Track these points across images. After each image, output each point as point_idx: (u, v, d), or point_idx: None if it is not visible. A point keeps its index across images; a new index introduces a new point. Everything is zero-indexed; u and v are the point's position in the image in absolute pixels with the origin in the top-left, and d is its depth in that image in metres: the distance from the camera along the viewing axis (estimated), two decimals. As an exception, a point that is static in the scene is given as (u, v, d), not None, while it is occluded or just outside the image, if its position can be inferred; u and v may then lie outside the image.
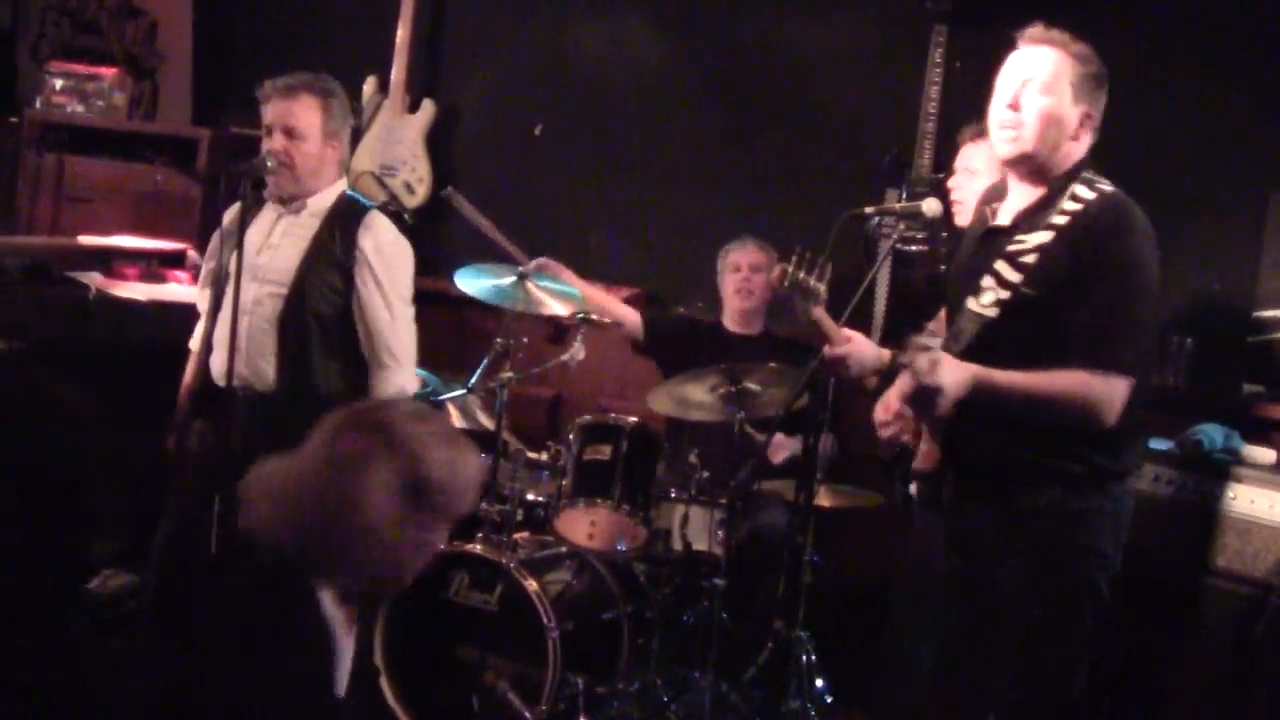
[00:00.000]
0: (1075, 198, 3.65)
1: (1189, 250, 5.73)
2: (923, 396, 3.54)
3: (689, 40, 6.82)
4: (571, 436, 5.34)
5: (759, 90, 6.67)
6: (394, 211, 6.42)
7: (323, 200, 4.94)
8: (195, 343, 5.10)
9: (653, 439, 5.38)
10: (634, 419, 5.43)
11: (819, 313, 4.27)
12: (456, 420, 5.62)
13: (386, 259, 4.90)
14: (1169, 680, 4.98)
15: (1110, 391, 3.51)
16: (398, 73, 6.96)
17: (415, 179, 6.90)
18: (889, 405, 4.01)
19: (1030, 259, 3.65)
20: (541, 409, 6.66)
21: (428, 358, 5.86)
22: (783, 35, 6.59)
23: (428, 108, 6.99)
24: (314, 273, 4.83)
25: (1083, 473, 3.65)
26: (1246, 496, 4.91)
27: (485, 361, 5.44)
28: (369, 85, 7.03)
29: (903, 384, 3.62)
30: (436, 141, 7.00)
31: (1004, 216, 3.82)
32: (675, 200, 6.77)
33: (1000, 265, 3.70)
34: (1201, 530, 4.94)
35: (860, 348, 4.28)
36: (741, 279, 6.05)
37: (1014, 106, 3.73)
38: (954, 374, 3.52)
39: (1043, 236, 3.64)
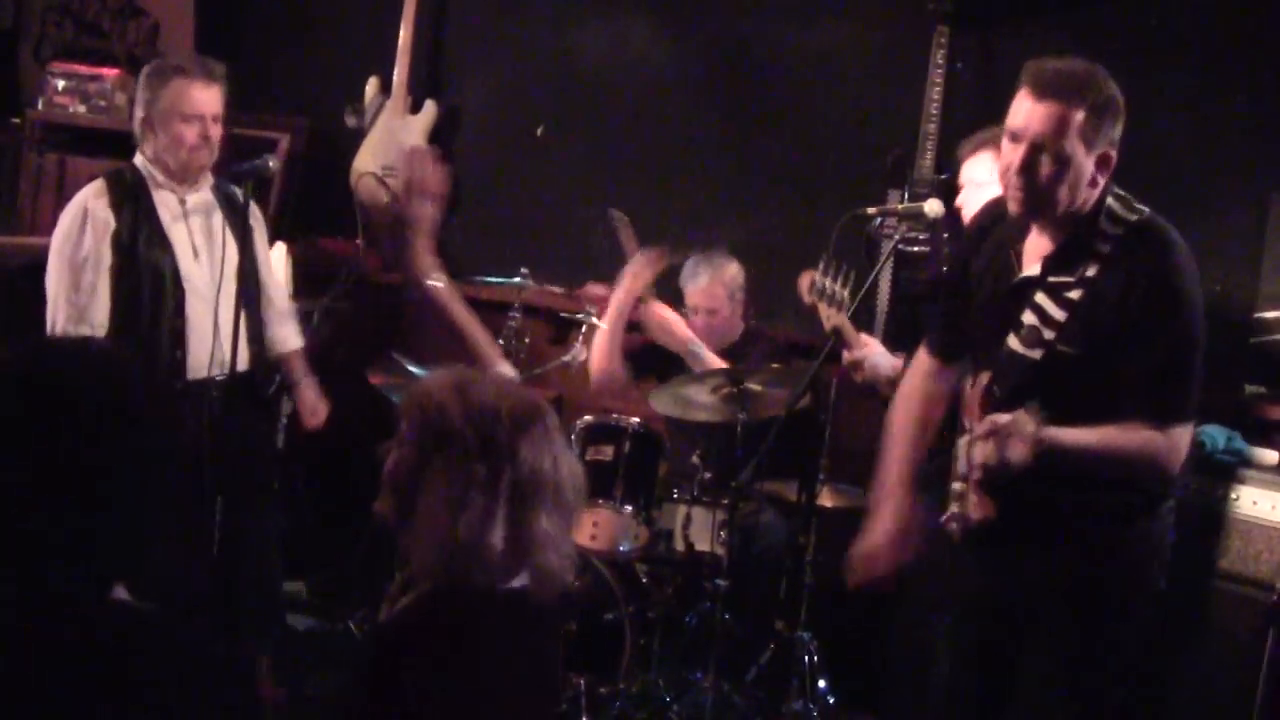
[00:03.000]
0: (1113, 218, 3.53)
1: (1190, 253, 5.73)
2: (998, 470, 3.44)
3: (691, 41, 6.82)
4: (574, 437, 5.34)
5: (761, 91, 6.67)
6: (396, 213, 6.44)
7: (207, 178, 5.06)
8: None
9: (655, 439, 5.39)
10: (636, 419, 5.44)
11: (841, 319, 4.29)
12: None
13: (261, 220, 5.18)
14: (1172, 682, 4.97)
15: (1177, 444, 3.45)
16: (400, 74, 6.96)
17: (417, 180, 6.90)
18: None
19: (1075, 294, 3.51)
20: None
21: (429, 357, 5.87)
22: (784, 36, 6.58)
23: (430, 109, 6.99)
24: (242, 247, 4.98)
25: (1140, 503, 3.61)
26: (1249, 498, 4.91)
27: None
28: (371, 86, 7.03)
29: (985, 453, 3.43)
30: (439, 142, 6.99)
31: (1031, 263, 3.64)
32: (677, 201, 6.77)
33: (1042, 299, 3.55)
34: (1204, 532, 4.95)
35: (876, 355, 4.32)
36: (701, 324, 5.82)
37: (1023, 173, 3.51)
38: (1023, 447, 3.44)
39: (1089, 268, 3.51)
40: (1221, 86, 5.78)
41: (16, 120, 7.16)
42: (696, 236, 6.51)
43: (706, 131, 6.78)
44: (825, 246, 4.70)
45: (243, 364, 4.96)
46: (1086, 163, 3.48)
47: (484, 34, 7.16)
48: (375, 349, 5.81)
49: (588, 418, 5.48)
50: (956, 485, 3.65)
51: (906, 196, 5.98)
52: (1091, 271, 3.49)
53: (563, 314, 6.05)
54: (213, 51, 7.33)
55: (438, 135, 7.01)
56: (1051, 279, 3.54)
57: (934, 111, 6.01)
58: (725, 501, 5.13)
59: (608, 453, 5.27)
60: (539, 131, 7.00)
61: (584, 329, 5.69)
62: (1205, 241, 5.69)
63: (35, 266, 5.95)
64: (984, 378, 3.68)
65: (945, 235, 5.96)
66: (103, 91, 7.05)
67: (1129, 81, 5.62)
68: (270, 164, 4.85)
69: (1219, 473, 5.01)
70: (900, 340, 5.12)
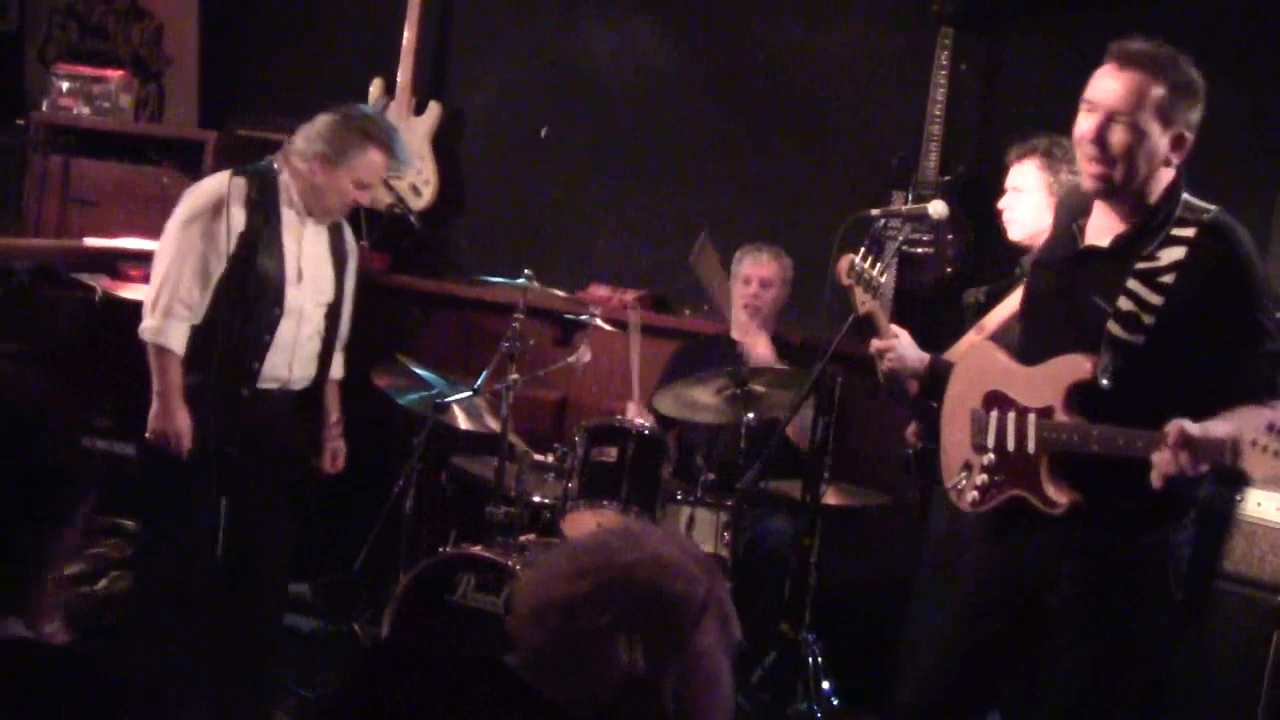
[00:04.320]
0: (1190, 208, 3.56)
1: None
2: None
3: (695, 43, 6.82)
4: (578, 438, 5.34)
5: (765, 93, 6.67)
6: (400, 214, 6.44)
7: None
8: (179, 342, 4.93)
9: (659, 441, 5.38)
10: (640, 421, 5.44)
11: (874, 306, 4.32)
12: (463, 422, 5.63)
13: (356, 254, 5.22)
14: (1175, 683, 4.97)
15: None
16: (404, 75, 6.96)
17: (421, 181, 6.91)
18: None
19: (1168, 278, 3.51)
20: (548, 411, 6.65)
21: (434, 359, 5.88)
22: (789, 38, 6.59)
23: (434, 110, 6.99)
24: (338, 278, 5.08)
25: (1169, 508, 3.58)
26: (1253, 499, 4.91)
27: (492, 364, 5.44)
28: (375, 87, 7.03)
29: (1164, 463, 3.28)
30: (442, 144, 7.00)
31: (1098, 236, 3.67)
32: (681, 203, 6.77)
33: (1135, 285, 3.53)
34: (1210, 534, 4.93)
35: (905, 345, 4.33)
36: (750, 294, 6.01)
37: (1097, 142, 3.55)
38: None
39: (1174, 253, 3.51)
40: (1224, 88, 5.76)
41: (21, 122, 7.16)
42: (699, 237, 6.52)
43: (711, 133, 6.78)
44: (830, 247, 4.70)
45: (308, 382, 5.13)
46: (1161, 140, 3.54)
47: (488, 36, 7.16)
48: (380, 351, 5.82)
49: (592, 419, 5.48)
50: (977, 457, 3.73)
51: (911, 198, 5.99)
52: (1178, 256, 3.50)
53: (567, 315, 6.05)
54: (216, 53, 7.39)
55: (441, 137, 7.01)
56: (1141, 264, 3.54)
57: (938, 113, 6.02)
58: (729, 503, 5.14)
59: (612, 454, 5.26)
60: (543, 133, 6.99)
61: (587, 330, 5.69)
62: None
63: (41, 268, 5.97)
64: (1076, 361, 3.59)
65: (950, 237, 5.96)
66: (107, 93, 7.05)
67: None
68: (275, 165, 4.85)
69: (1224, 474, 5.00)
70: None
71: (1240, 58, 5.76)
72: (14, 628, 1.99)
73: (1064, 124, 5.61)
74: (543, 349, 6.12)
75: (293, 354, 4.98)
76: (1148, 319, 3.50)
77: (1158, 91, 3.56)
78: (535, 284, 5.47)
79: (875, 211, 5.08)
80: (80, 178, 6.90)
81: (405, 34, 6.94)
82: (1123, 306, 3.53)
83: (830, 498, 5.39)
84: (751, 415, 5.18)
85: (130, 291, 5.77)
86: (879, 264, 4.44)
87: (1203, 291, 3.47)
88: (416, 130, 6.96)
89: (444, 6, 7.16)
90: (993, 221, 5.21)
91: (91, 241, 6.42)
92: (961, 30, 6.05)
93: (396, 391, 5.57)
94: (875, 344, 4.29)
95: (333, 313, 5.15)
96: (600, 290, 6.67)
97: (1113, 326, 3.54)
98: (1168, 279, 3.49)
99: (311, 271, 5.04)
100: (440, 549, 5.20)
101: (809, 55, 6.56)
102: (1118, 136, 3.52)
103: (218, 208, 4.87)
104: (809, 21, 6.55)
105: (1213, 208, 3.57)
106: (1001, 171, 4.98)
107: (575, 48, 6.98)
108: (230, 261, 4.83)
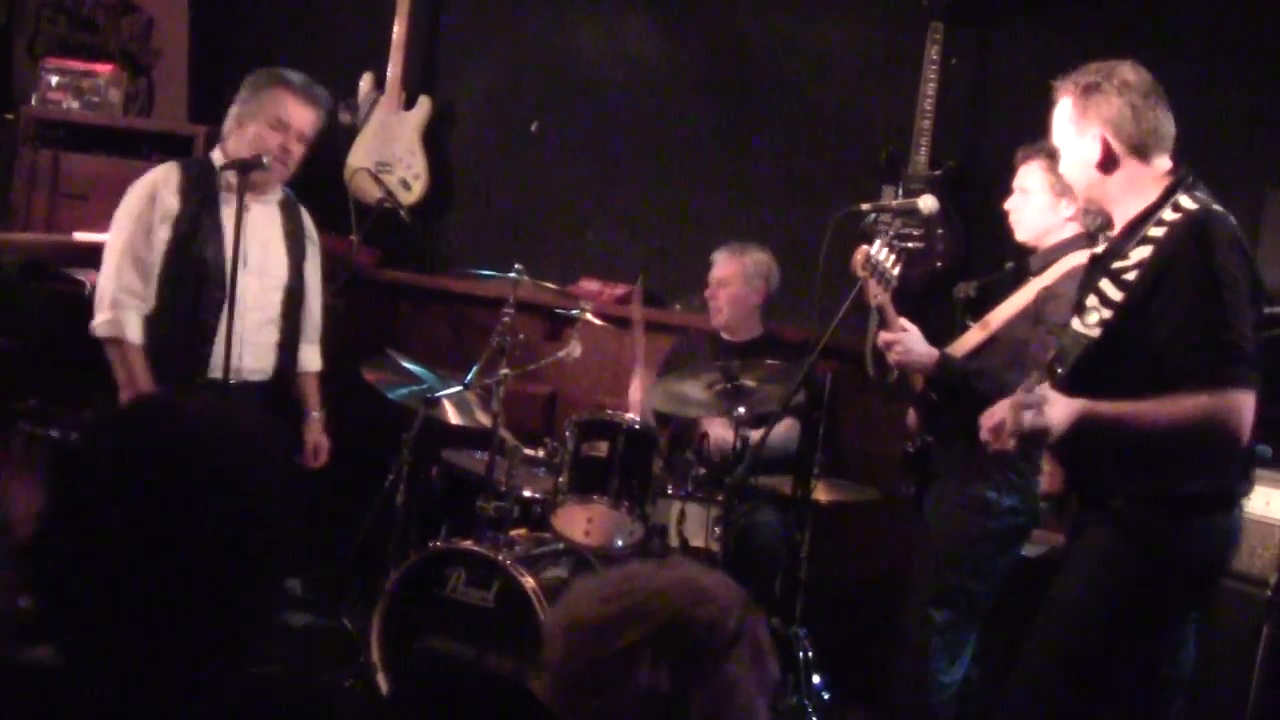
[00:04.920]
0: (1177, 208, 3.62)
1: (1238, 244, 5.75)
2: (1032, 438, 3.50)
3: (685, 37, 6.81)
4: (568, 433, 5.33)
5: (756, 86, 6.67)
6: (390, 208, 6.43)
7: (277, 192, 5.13)
8: (134, 331, 5.00)
9: (650, 435, 5.38)
10: (631, 415, 5.45)
11: (885, 298, 4.35)
12: (453, 416, 5.62)
13: (318, 241, 5.22)
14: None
15: (1234, 406, 3.43)
16: (394, 69, 6.95)
17: (411, 176, 6.90)
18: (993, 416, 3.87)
19: (1132, 275, 3.60)
20: (538, 405, 6.65)
21: (424, 354, 5.88)
22: (779, 32, 6.59)
23: (424, 104, 6.98)
24: (294, 263, 5.08)
25: (1195, 496, 3.62)
26: (1243, 493, 4.90)
27: (482, 358, 5.44)
28: (365, 82, 7.02)
29: (1014, 420, 3.48)
30: (433, 138, 6.99)
31: (1104, 244, 3.85)
32: (671, 197, 6.77)
33: (1104, 283, 3.65)
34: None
35: (912, 339, 4.37)
36: (709, 293, 6.08)
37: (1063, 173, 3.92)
38: (1060, 411, 3.46)
39: (1142, 252, 3.60)
40: (1216, 82, 5.78)
41: (10, 116, 7.15)
42: (690, 232, 6.53)
43: (701, 127, 6.78)
44: (820, 242, 4.71)
45: (266, 374, 5.11)
46: (1087, 147, 3.73)
47: (478, 30, 7.16)
48: (370, 346, 5.81)
49: (582, 413, 5.48)
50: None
51: (901, 192, 5.99)
52: (1144, 254, 3.59)
53: (557, 310, 6.05)
54: (206, 48, 7.38)
55: (432, 131, 7.01)
56: (1114, 264, 3.65)
57: (928, 107, 6.01)
58: (720, 498, 5.14)
59: (602, 449, 5.25)
60: (534, 128, 6.99)
61: (578, 325, 5.69)
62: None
63: (31, 262, 5.96)
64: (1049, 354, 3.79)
65: (940, 231, 5.96)
66: (96, 87, 7.04)
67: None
68: (265, 160, 4.84)
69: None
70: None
71: (1231, 53, 5.77)
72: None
73: (1042, 113, 5.63)
74: (533, 343, 6.12)
75: (242, 342, 4.96)
76: (1105, 313, 3.61)
77: (1068, 106, 3.79)
78: (526, 278, 5.47)
79: (866, 206, 5.10)
80: (70, 172, 6.89)
81: (395, 28, 6.94)
82: (1087, 304, 3.67)
83: (820, 493, 5.39)
84: (742, 410, 5.17)
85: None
86: (893, 256, 4.47)
87: (1157, 284, 3.54)
88: (407, 124, 6.95)
89: (434, 1, 7.15)
90: (983, 216, 5.22)
91: (81, 236, 6.41)
92: (951, 24, 6.05)
93: (386, 386, 5.56)
94: (884, 336, 4.32)
95: (291, 300, 5.14)
96: (590, 285, 6.67)
97: (1074, 321, 3.71)
98: (1131, 275, 3.59)
99: (258, 255, 5.03)
100: (431, 544, 5.20)
101: (799, 50, 6.55)
102: (1062, 164, 3.88)
103: (151, 197, 4.99)
104: (799, 16, 6.55)
105: (1194, 206, 3.61)
106: (992, 166, 4.99)
107: (565, 42, 6.98)
108: (166, 246, 4.93)
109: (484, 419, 5.53)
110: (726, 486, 5.05)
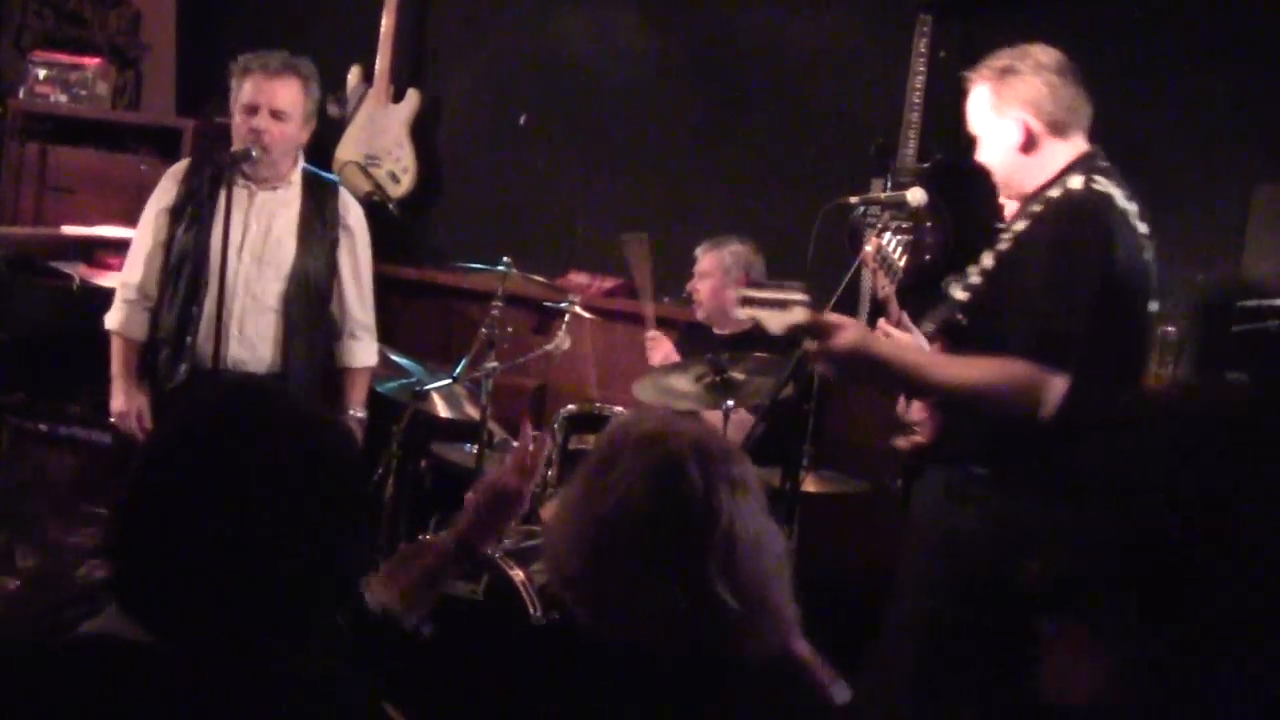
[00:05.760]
0: (1064, 187, 3.67)
1: (1175, 242, 5.74)
2: (819, 355, 3.57)
3: (673, 30, 6.81)
4: (557, 426, 5.33)
5: (744, 80, 6.67)
6: (379, 201, 6.43)
7: (294, 177, 5.07)
8: (120, 324, 5.09)
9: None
10: (619, 408, 5.44)
11: (890, 291, 4.38)
12: (442, 410, 5.62)
13: (364, 232, 5.14)
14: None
15: (1034, 380, 3.44)
16: (382, 62, 6.95)
17: (400, 169, 6.89)
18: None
19: (1004, 247, 3.70)
20: (526, 398, 6.65)
21: (413, 347, 5.88)
22: (767, 25, 6.59)
23: (412, 97, 6.98)
24: (309, 252, 5.00)
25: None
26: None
27: (471, 352, 5.44)
28: (353, 75, 7.01)
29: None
30: (421, 131, 6.99)
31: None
32: (660, 191, 6.77)
33: (985, 254, 3.75)
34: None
35: (904, 335, 4.39)
36: (691, 287, 6.10)
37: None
38: (847, 336, 3.52)
39: (1019, 226, 3.69)
40: (1205, 78, 5.79)
41: (-3, 109, 7.15)
42: (678, 225, 6.52)
43: (690, 121, 6.78)
44: (808, 235, 4.71)
45: (266, 366, 5.02)
46: (1008, 130, 3.78)
47: (467, 22, 7.15)
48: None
49: (571, 407, 5.47)
50: None
51: (889, 185, 5.99)
52: (1021, 228, 3.69)
53: (545, 303, 6.05)
54: (193, 41, 7.37)
55: (420, 124, 7.00)
56: (999, 236, 3.78)
57: (916, 100, 6.02)
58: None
59: (591, 442, 5.25)
60: (522, 120, 6.99)
61: (566, 318, 5.69)
62: (1190, 231, 5.76)
63: (19, 256, 5.96)
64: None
65: (929, 224, 5.97)
66: (84, 81, 7.03)
67: (1112, 72, 5.65)
68: (253, 152, 4.84)
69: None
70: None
71: (1221, 49, 5.78)
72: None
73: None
74: (521, 336, 6.11)
75: (239, 331, 4.95)
76: (975, 279, 3.75)
77: (985, 92, 3.82)
78: (514, 271, 5.47)
79: (854, 199, 5.10)
80: (57, 165, 6.87)
81: (383, 21, 6.93)
82: (968, 271, 3.80)
83: (809, 485, 5.39)
84: (731, 403, 5.18)
85: (108, 279, 5.76)
86: (900, 249, 4.52)
87: (1017, 258, 3.64)
88: (395, 118, 6.95)
89: (422, -7, 7.16)
90: (971, 209, 5.21)
91: (69, 229, 6.40)
92: (940, 17, 6.05)
93: (375, 379, 5.56)
94: (884, 326, 4.34)
95: (300, 290, 5.08)
96: (579, 278, 6.67)
97: (953, 288, 3.84)
98: (1005, 246, 3.71)
99: (256, 242, 5.00)
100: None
101: (788, 42, 6.56)
102: (980, 150, 3.89)
103: (160, 191, 5.10)
104: (787, 8, 6.55)
105: (1078, 187, 3.65)
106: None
107: (554, 35, 6.98)
108: (162, 235, 5.02)
109: (473, 412, 5.53)
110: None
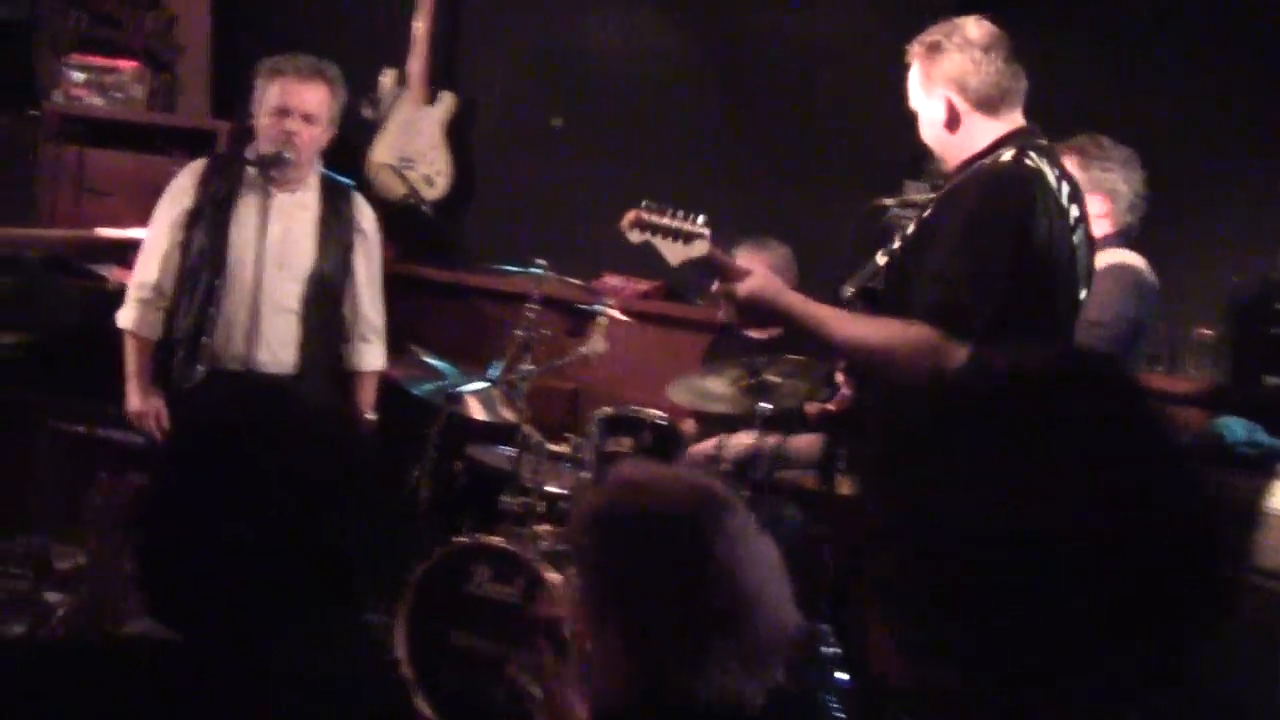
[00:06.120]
0: (994, 160, 3.67)
1: (1211, 245, 5.73)
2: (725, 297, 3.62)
3: (705, 32, 6.82)
4: (593, 429, 5.33)
5: (774, 82, 6.67)
6: (413, 204, 6.43)
7: (312, 180, 5.10)
8: (134, 323, 5.14)
9: (675, 432, 5.38)
10: (654, 411, 5.43)
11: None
12: (477, 412, 5.63)
13: (377, 235, 5.19)
14: (1194, 677, 4.95)
15: (934, 346, 3.43)
16: (416, 65, 6.95)
17: (434, 171, 6.90)
18: None
19: (928, 213, 3.76)
20: (562, 401, 6.65)
21: (447, 350, 5.88)
22: (796, 26, 6.58)
23: (446, 100, 6.98)
24: (326, 254, 5.02)
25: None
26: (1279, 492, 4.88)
27: (506, 354, 5.44)
28: (387, 78, 7.02)
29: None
30: (455, 134, 6.99)
31: None
32: (694, 192, 6.73)
33: (910, 222, 3.85)
34: (1235, 526, 4.90)
35: None
36: None
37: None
38: (751, 283, 3.59)
39: (945, 194, 3.75)
40: (1239, 79, 5.77)
41: (34, 112, 7.17)
42: (713, 227, 6.50)
43: (723, 123, 6.78)
44: (839, 236, 4.71)
45: (285, 368, 5.05)
46: (934, 107, 3.81)
47: (500, 25, 7.16)
48: (393, 341, 5.81)
49: (606, 409, 5.47)
50: None
51: (925, 186, 5.97)
52: (945, 196, 3.75)
53: (580, 306, 6.05)
54: (228, 43, 7.39)
55: (454, 127, 7.01)
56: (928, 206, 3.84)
57: (949, 101, 6.00)
58: (745, 494, 5.13)
59: (626, 445, 5.25)
60: (556, 123, 6.99)
61: (601, 320, 5.68)
62: (1226, 233, 5.74)
63: (54, 258, 5.98)
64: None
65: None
66: (119, 83, 7.05)
67: (1145, 72, 5.63)
68: (286, 154, 4.86)
69: (1248, 466, 4.97)
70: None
71: (1253, 45, 5.76)
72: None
73: (1071, 110, 5.63)
74: (556, 339, 6.11)
75: (253, 331, 4.96)
76: (897, 245, 3.82)
77: (915, 67, 3.90)
78: (549, 274, 5.47)
79: (889, 201, 5.10)
80: (93, 168, 6.90)
81: (417, 23, 6.93)
82: (894, 240, 3.87)
83: (845, 487, 5.38)
84: (767, 405, 5.17)
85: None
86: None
87: (935, 225, 3.67)
88: (429, 120, 6.95)
89: (456, -4, 7.16)
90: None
91: (104, 231, 6.42)
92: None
93: (410, 382, 5.56)
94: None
95: (317, 292, 5.11)
96: (614, 280, 6.67)
97: (878, 254, 3.91)
98: (928, 214, 3.76)
99: (275, 245, 5.02)
100: (455, 539, 5.20)
101: (817, 44, 6.56)
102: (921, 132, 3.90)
103: (175, 192, 5.16)
104: (818, 10, 6.55)
105: (1007, 160, 3.64)
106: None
107: (587, 37, 6.98)
108: (179, 237, 5.06)
109: (508, 415, 5.53)
110: (751, 482, 5.04)
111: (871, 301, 3.75)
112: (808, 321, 3.58)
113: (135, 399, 5.09)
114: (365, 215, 5.28)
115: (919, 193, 5.91)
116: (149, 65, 7.27)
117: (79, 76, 7.06)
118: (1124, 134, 4.84)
